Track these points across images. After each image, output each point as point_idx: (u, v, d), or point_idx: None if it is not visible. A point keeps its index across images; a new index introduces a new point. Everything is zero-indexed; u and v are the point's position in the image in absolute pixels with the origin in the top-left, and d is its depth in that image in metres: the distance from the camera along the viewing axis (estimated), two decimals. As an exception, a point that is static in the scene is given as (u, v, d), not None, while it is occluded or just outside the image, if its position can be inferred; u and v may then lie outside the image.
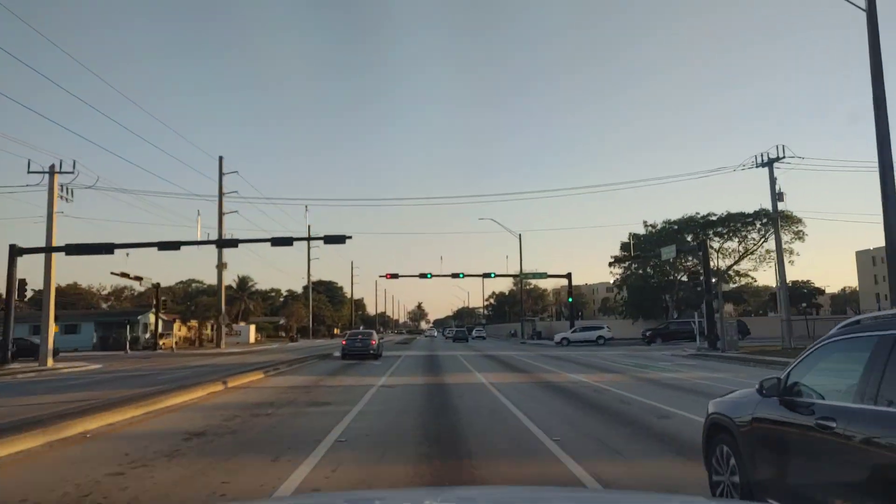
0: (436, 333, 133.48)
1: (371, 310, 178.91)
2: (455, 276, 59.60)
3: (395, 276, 60.21)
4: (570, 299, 59.45)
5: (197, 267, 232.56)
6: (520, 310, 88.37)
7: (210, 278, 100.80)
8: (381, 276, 59.85)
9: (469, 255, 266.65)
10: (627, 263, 62.56)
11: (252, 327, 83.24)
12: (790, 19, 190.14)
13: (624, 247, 62.87)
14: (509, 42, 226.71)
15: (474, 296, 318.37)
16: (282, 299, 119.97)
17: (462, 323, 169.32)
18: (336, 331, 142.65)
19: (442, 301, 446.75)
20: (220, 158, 62.34)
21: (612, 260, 63.73)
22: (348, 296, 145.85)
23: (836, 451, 3.65)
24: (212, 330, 78.62)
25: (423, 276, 59.32)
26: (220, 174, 61.46)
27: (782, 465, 4.26)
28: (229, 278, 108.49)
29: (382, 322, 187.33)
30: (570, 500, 3.15)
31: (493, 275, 59.94)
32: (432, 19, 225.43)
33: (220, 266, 62.80)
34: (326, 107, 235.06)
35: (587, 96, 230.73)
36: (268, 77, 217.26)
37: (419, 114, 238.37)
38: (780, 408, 4.34)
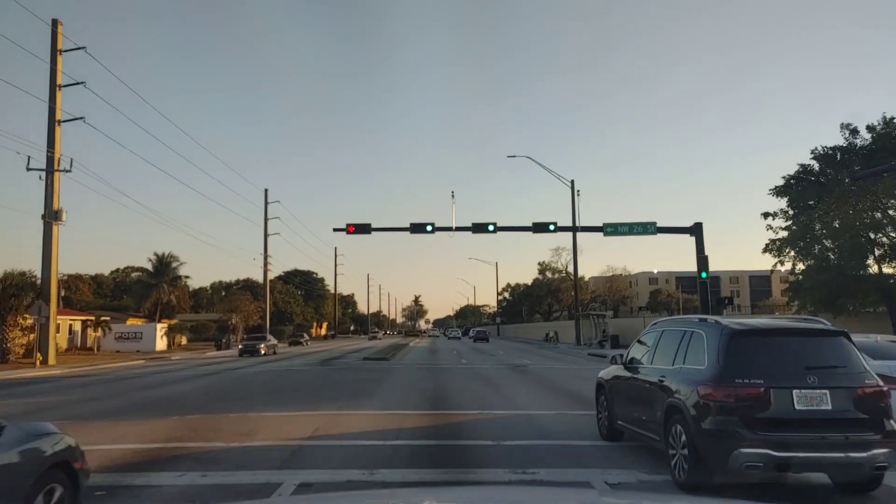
0: (439, 334, 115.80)
1: (363, 307, 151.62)
2: (481, 228, 31.02)
3: (364, 228, 31.44)
4: (705, 274, 30.71)
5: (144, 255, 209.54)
6: (579, 303, 59.52)
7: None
8: (337, 230, 31.03)
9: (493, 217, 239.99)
10: (801, 218, 33.25)
11: (159, 328, 54.64)
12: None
13: (793, 181, 34.01)
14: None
15: (482, 292, 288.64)
16: (228, 291, 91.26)
17: (464, 322, 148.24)
18: (320, 331, 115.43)
19: (443, 298, 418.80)
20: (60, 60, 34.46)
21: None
22: (335, 291, 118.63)
23: (639, 389, 8.04)
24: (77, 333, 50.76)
25: (419, 228, 30.74)
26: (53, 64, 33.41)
27: (623, 401, 8.73)
28: (142, 258, 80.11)
29: (376, 322, 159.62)
30: (576, 500, 3.10)
31: (552, 227, 31.41)
32: (437, 15, 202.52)
33: (51, 215, 34.72)
34: (327, 106, 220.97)
35: (588, 93, 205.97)
36: (271, 76, 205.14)
37: (424, 111, 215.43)
38: (624, 370, 8.77)
